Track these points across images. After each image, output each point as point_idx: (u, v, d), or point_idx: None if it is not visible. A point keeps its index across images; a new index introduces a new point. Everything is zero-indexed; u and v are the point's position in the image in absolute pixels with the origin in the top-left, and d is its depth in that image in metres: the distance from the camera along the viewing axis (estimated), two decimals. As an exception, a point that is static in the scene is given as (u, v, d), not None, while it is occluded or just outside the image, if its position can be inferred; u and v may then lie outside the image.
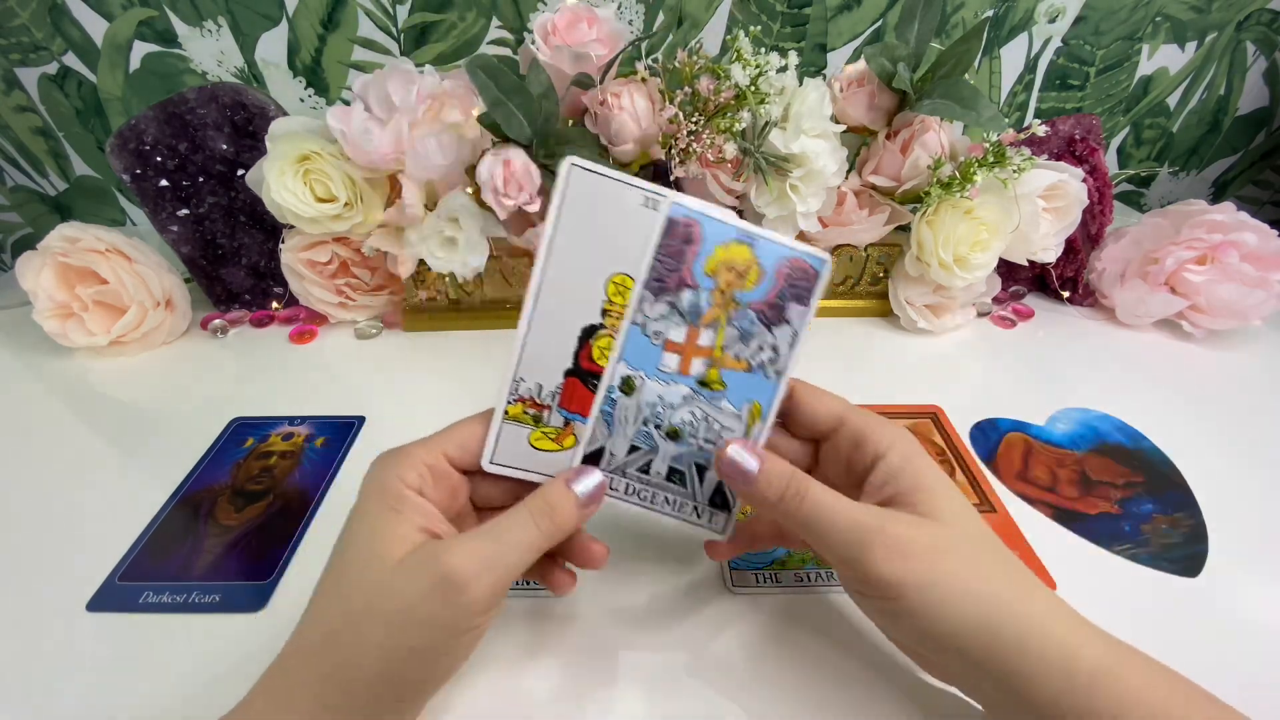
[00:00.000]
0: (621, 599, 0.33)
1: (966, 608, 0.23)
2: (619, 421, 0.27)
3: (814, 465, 0.30)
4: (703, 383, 0.27)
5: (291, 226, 0.48)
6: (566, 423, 0.27)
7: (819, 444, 0.30)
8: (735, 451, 0.26)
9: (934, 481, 0.26)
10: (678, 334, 0.27)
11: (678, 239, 0.26)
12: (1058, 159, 0.53)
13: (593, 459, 0.27)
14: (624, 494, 0.27)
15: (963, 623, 0.23)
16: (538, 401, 0.27)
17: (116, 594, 0.33)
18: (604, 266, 0.26)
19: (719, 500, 0.28)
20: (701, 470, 0.28)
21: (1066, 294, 0.59)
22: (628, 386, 0.27)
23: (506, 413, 0.27)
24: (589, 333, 0.27)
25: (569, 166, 0.25)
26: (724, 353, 0.27)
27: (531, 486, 0.26)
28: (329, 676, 0.21)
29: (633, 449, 0.27)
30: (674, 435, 0.27)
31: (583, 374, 0.27)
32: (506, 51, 0.70)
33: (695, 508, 0.28)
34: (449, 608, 0.22)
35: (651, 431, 0.27)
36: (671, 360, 0.27)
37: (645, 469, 0.27)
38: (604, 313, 0.26)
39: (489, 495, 0.28)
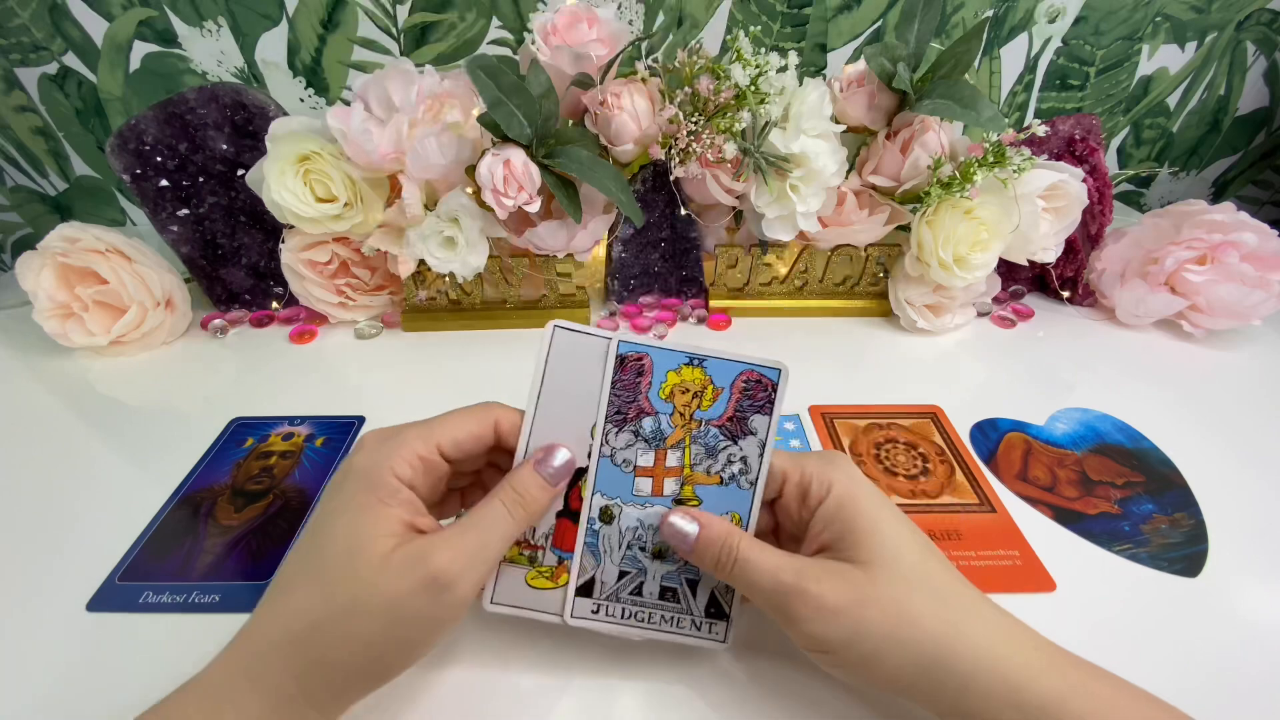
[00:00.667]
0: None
1: (898, 656, 0.23)
2: (604, 550, 0.28)
3: (776, 526, 0.30)
4: (678, 501, 0.28)
5: (291, 226, 0.48)
6: (560, 560, 0.27)
7: (774, 504, 0.29)
8: (676, 518, 0.26)
9: (868, 522, 0.25)
10: (646, 459, 0.28)
11: (630, 373, 0.28)
12: (1058, 159, 0.53)
13: (585, 590, 0.27)
14: (621, 619, 0.27)
15: (899, 670, 0.23)
16: (531, 543, 0.28)
17: (116, 594, 0.33)
18: (589, 414, 0.28)
19: (714, 610, 0.28)
20: (693, 584, 0.28)
21: (1066, 294, 0.59)
22: (606, 515, 0.28)
23: (505, 556, 0.27)
24: (578, 475, 0.28)
25: (553, 329, 0.27)
26: (694, 470, 0.28)
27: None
28: (313, 665, 0.22)
29: (622, 574, 0.28)
30: (660, 555, 0.28)
31: (573, 514, 0.28)
32: (506, 51, 0.70)
33: (693, 620, 0.28)
34: (437, 604, 0.23)
35: (638, 554, 0.28)
36: (645, 484, 0.28)
37: (638, 591, 0.28)
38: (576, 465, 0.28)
39: (462, 475, 0.29)
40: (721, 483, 0.28)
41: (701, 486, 0.28)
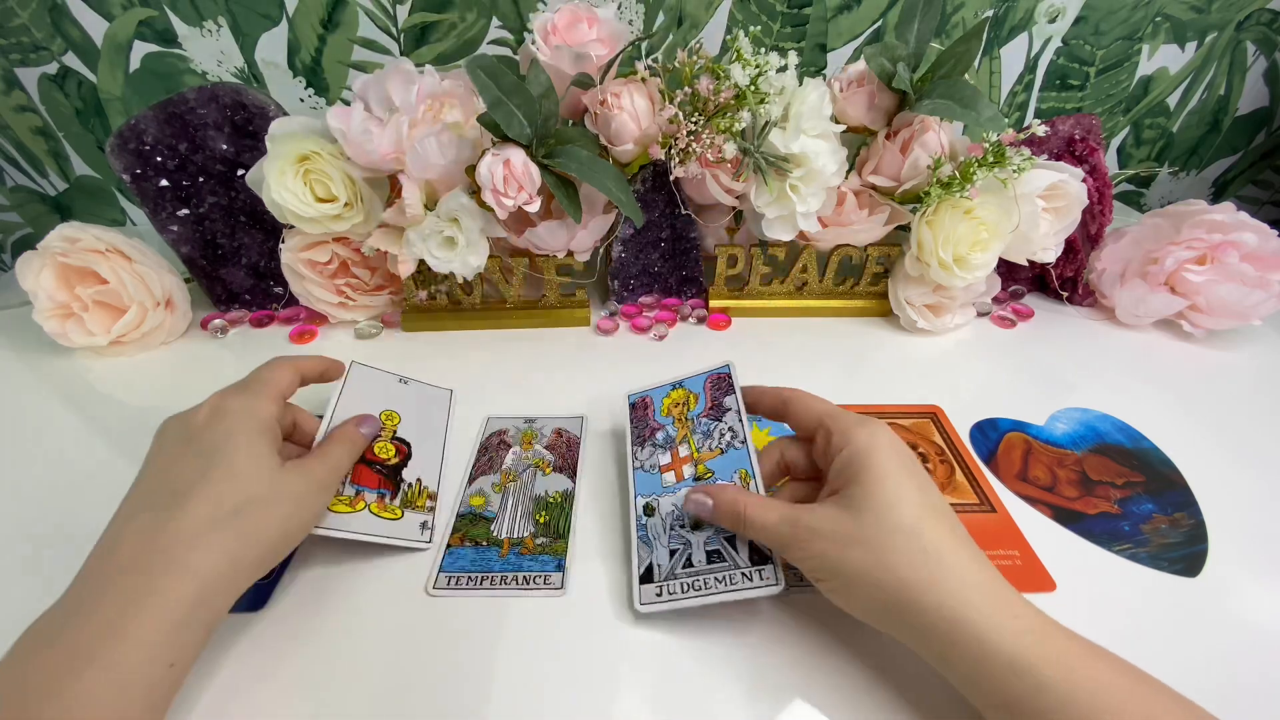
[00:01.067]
0: (620, 600, 0.33)
1: (870, 593, 0.26)
2: (653, 537, 0.33)
3: (815, 470, 0.33)
4: (697, 478, 0.35)
5: (291, 226, 0.48)
6: (357, 492, 0.35)
7: (811, 445, 0.33)
8: (694, 495, 0.32)
9: (873, 477, 0.28)
10: (665, 458, 0.37)
11: (639, 410, 0.40)
12: (1058, 159, 0.53)
13: (646, 576, 0.32)
14: (682, 594, 0.31)
15: (871, 603, 0.27)
16: None
17: (116, 594, 0.33)
18: (378, 407, 0.39)
19: (758, 557, 0.31)
20: (732, 541, 0.32)
21: (1066, 294, 0.59)
22: (649, 510, 0.35)
23: None
24: (373, 439, 0.38)
25: (352, 365, 0.40)
26: (699, 452, 0.36)
27: None
28: (247, 540, 0.27)
29: (672, 552, 0.32)
30: (697, 525, 0.33)
31: (367, 461, 0.36)
32: (506, 51, 0.70)
33: (743, 573, 0.31)
34: (322, 497, 0.32)
35: (679, 531, 0.33)
36: (669, 477, 0.36)
37: (689, 562, 0.32)
38: (380, 428, 0.38)
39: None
40: (723, 452, 0.35)
41: (710, 461, 0.35)
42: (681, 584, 0.31)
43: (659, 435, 0.38)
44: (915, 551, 0.26)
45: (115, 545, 0.26)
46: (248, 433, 0.30)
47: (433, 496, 0.37)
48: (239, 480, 0.28)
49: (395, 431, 0.39)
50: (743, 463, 0.34)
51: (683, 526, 0.33)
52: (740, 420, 0.36)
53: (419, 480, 0.38)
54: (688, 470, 0.35)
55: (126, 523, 0.27)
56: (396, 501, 0.36)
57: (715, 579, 0.31)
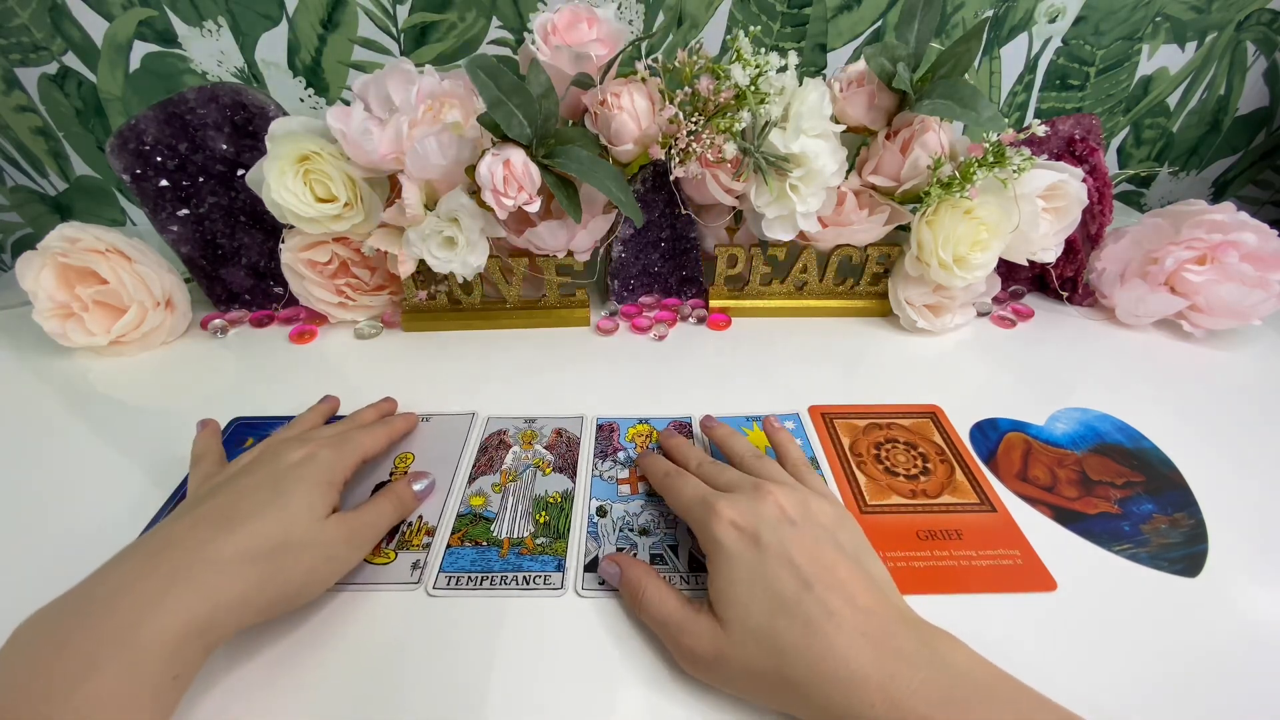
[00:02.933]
0: (621, 600, 0.33)
1: (750, 698, 0.28)
2: (603, 535, 0.36)
3: None
4: (650, 494, 0.38)
5: (291, 226, 0.48)
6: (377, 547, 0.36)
7: None
8: (605, 563, 0.33)
9: (722, 584, 0.28)
10: (623, 474, 0.40)
11: (605, 432, 0.44)
12: (1058, 159, 0.53)
13: (590, 566, 0.34)
14: None
15: (757, 702, 0.28)
16: None
17: (116, 594, 0.34)
18: (394, 451, 0.42)
19: (696, 565, 0.34)
20: (674, 549, 0.35)
21: (1066, 294, 0.59)
22: (601, 511, 0.38)
23: None
24: (380, 486, 0.40)
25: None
26: None
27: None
28: (268, 579, 0.28)
29: (619, 549, 0.35)
30: (645, 532, 0.36)
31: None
32: (506, 51, 0.70)
33: (681, 576, 0.34)
34: (351, 552, 0.33)
35: (628, 534, 0.36)
36: (625, 488, 0.39)
37: None
38: (391, 473, 0.41)
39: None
40: None
41: None
42: None
43: (620, 455, 0.42)
44: (775, 658, 0.26)
45: (165, 543, 0.28)
46: (317, 484, 0.33)
47: (431, 531, 0.37)
48: (284, 523, 0.30)
49: (405, 473, 0.40)
50: None
51: (632, 530, 0.36)
52: None
53: (420, 518, 0.37)
54: (643, 486, 0.39)
55: (189, 529, 0.29)
56: (392, 545, 0.36)
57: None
